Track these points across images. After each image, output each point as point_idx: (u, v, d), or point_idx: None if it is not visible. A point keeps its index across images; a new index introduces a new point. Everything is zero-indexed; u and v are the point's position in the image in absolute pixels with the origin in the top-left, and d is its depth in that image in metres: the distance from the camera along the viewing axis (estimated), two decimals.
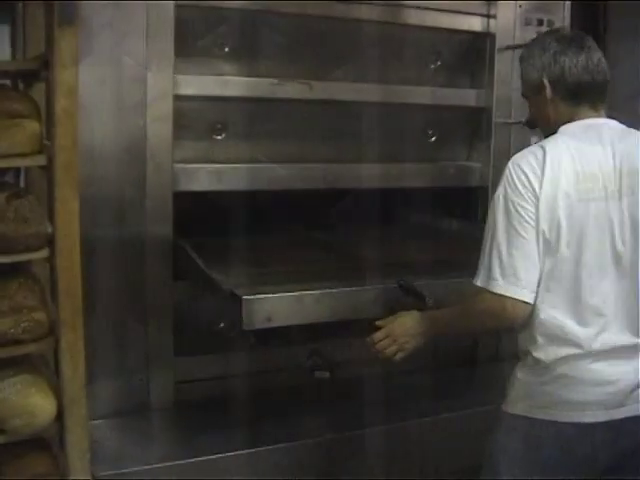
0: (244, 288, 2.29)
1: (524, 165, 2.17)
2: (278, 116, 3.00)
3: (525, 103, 3.38)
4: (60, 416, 1.96)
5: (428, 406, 2.78)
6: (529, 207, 2.13)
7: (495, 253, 2.16)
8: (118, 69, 2.51)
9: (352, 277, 2.56)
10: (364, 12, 2.99)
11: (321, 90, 2.99)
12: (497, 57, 3.32)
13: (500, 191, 2.19)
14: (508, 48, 3.32)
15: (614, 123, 2.30)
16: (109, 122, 2.52)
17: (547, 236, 2.13)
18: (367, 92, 3.11)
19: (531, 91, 2.36)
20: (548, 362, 2.17)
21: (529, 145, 3.48)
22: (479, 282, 2.19)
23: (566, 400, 2.17)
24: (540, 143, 2.24)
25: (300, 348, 2.84)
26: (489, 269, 2.16)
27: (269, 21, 2.88)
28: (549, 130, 2.30)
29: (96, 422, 2.42)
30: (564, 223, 2.13)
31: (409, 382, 2.90)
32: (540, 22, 3.35)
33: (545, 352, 2.18)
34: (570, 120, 2.27)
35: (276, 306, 2.28)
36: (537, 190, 2.13)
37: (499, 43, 3.32)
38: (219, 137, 2.89)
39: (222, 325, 2.86)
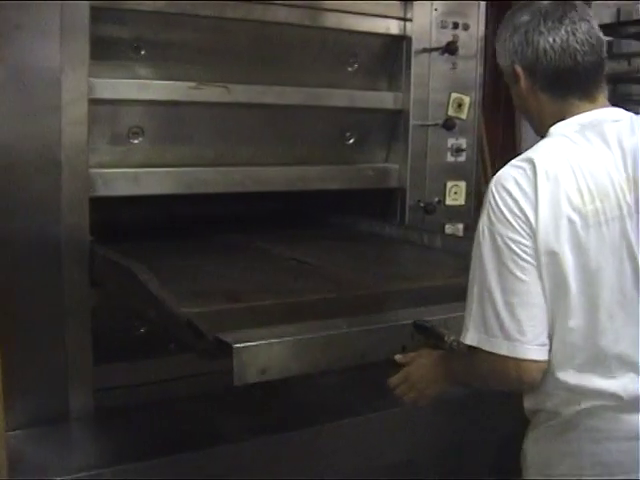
0: (232, 332, 1.89)
1: (510, 185, 1.76)
2: (196, 119, 3.02)
3: (441, 105, 3.53)
4: None
5: (353, 406, 2.82)
6: (524, 240, 1.73)
7: (488, 303, 1.76)
8: (32, 72, 2.49)
9: (343, 307, 2.27)
10: (282, 15, 3.03)
11: (239, 93, 3.02)
12: (414, 60, 3.41)
13: (483, 222, 1.79)
14: (425, 51, 3.42)
15: (619, 113, 1.88)
16: (23, 126, 2.48)
17: (552, 274, 1.73)
18: (285, 95, 3.15)
19: (508, 80, 1.96)
20: (570, 416, 1.80)
21: (445, 146, 3.65)
22: (471, 341, 1.80)
23: (596, 461, 1.78)
24: (527, 153, 1.83)
25: (220, 351, 2.85)
26: (483, 323, 1.77)
27: (186, 24, 2.89)
28: (540, 130, 1.92)
29: (14, 433, 2.40)
30: (570, 257, 1.72)
31: (334, 382, 2.94)
32: (456, 25, 3.46)
33: (566, 406, 1.81)
34: (561, 117, 1.86)
35: (275, 355, 1.89)
36: (531, 217, 1.73)
37: (416, 46, 3.41)
38: (136, 141, 2.90)
39: (142, 331, 2.86)
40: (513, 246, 1.73)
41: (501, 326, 1.74)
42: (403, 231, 3.42)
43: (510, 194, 1.75)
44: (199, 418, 2.69)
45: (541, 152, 1.80)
